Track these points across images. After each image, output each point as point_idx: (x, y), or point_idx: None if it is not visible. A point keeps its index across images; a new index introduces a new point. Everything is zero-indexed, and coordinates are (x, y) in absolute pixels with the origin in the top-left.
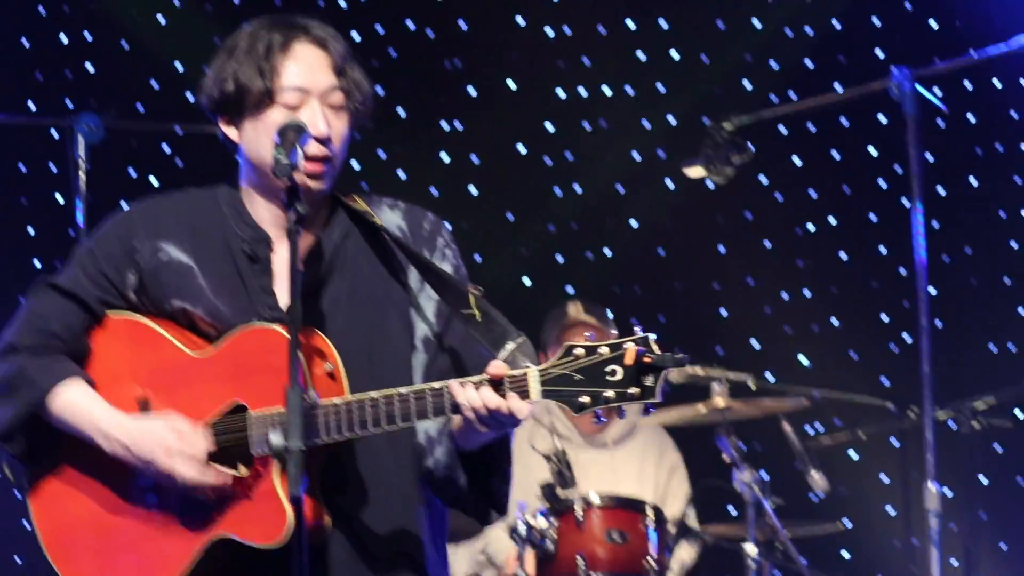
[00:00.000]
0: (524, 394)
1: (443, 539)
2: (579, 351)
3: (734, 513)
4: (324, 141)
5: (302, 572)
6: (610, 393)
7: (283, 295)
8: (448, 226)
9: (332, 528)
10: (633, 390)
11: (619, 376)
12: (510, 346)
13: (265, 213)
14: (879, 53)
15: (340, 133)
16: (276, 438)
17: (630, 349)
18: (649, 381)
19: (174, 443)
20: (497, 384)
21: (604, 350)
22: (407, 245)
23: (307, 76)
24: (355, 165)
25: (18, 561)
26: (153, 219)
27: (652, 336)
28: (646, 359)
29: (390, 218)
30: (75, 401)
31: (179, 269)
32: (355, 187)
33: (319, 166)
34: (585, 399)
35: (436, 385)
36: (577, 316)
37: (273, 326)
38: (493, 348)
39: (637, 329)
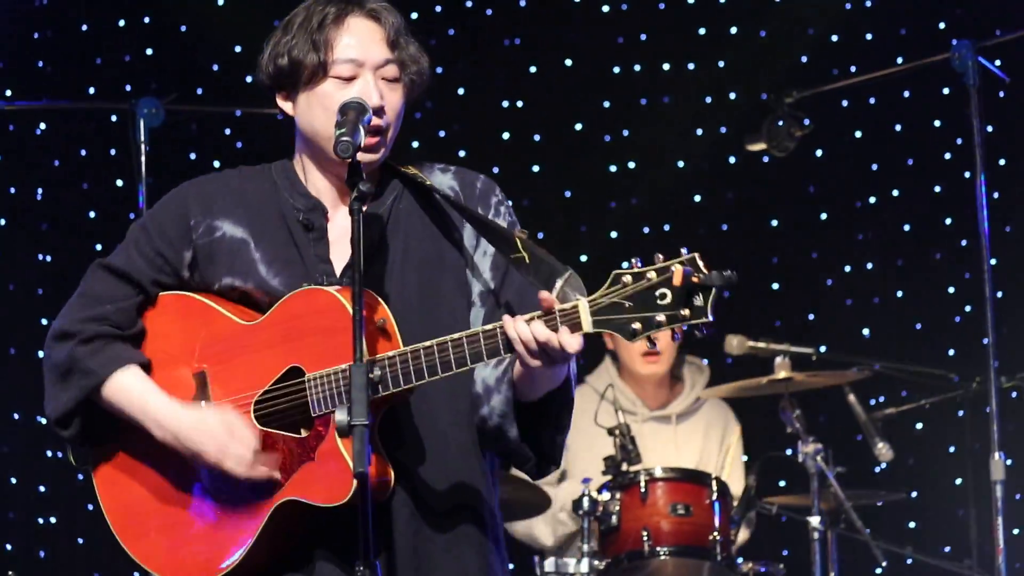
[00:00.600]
0: (576, 326)
1: (497, 492)
2: (627, 278)
3: (798, 485)
4: (378, 112)
5: (367, 543)
6: (661, 317)
7: (340, 263)
8: (499, 189)
9: (395, 484)
10: (684, 312)
11: (669, 299)
12: (559, 282)
13: (320, 183)
14: (941, 25)
15: (394, 106)
16: (341, 415)
17: (677, 270)
18: (699, 301)
19: (226, 441)
20: (549, 317)
21: (652, 275)
22: (458, 201)
23: (360, 49)
24: (415, 144)
25: (80, 541)
26: (207, 196)
27: (698, 255)
28: (694, 279)
29: (441, 180)
30: (128, 388)
31: (233, 245)
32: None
33: (373, 139)
34: (637, 325)
35: (489, 327)
36: None
37: (321, 287)
38: (544, 287)
39: (683, 250)
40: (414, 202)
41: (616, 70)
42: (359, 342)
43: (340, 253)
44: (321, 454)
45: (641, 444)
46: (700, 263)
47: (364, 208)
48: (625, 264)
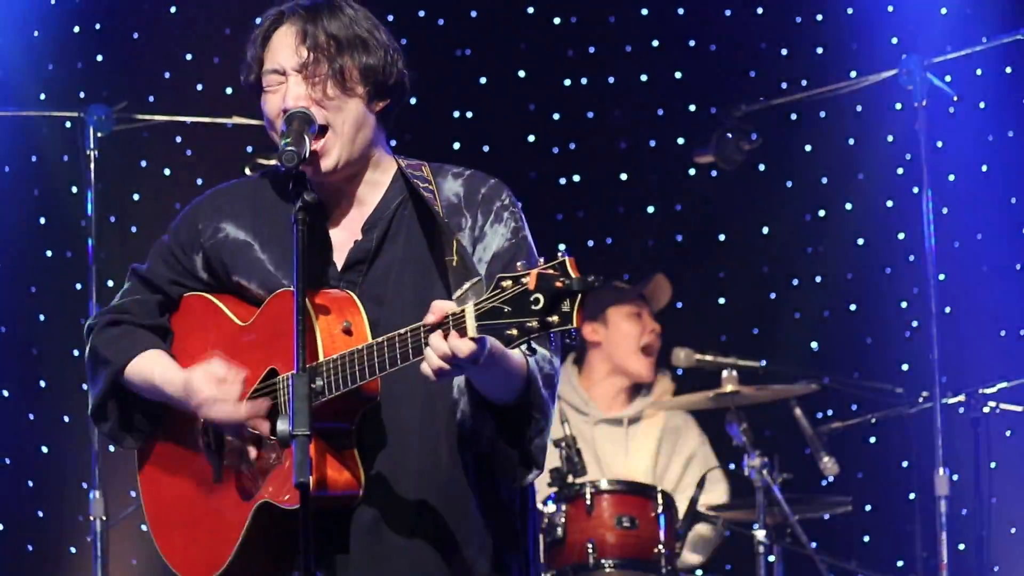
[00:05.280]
0: (463, 331)
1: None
2: (506, 282)
3: (743, 499)
4: (301, 117)
5: (308, 551)
6: (533, 323)
7: (341, 261)
8: (509, 193)
9: (364, 490)
10: (553, 318)
11: (541, 304)
12: (466, 285)
13: (322, 185)
14: (893, 40)
15: (329, 103)
16: (282, 425)
17: (532, 274)
18: (566, 307)
19: (209, 392)
20: (442, 324)
21: (525, 280)
22: (436, 212)
23: (279, 56)
24: None
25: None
26: (216, 203)
27: (569, 259)
28: (557, 284)
29: (450, 185)
30: (140, 371)
31: (236, 246)
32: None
33: (317, 142)
34: (513, 331)
35: (402, 331)
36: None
37: (290, 289)
38: (455, 288)
39: (559, 253)
40: (417, 206)
41: (567, 82)
42: (300, 352)
43: (344, 252)
44: (287, 457)
45: (594, 445)
46: (570, 268)
47: (308, 220)
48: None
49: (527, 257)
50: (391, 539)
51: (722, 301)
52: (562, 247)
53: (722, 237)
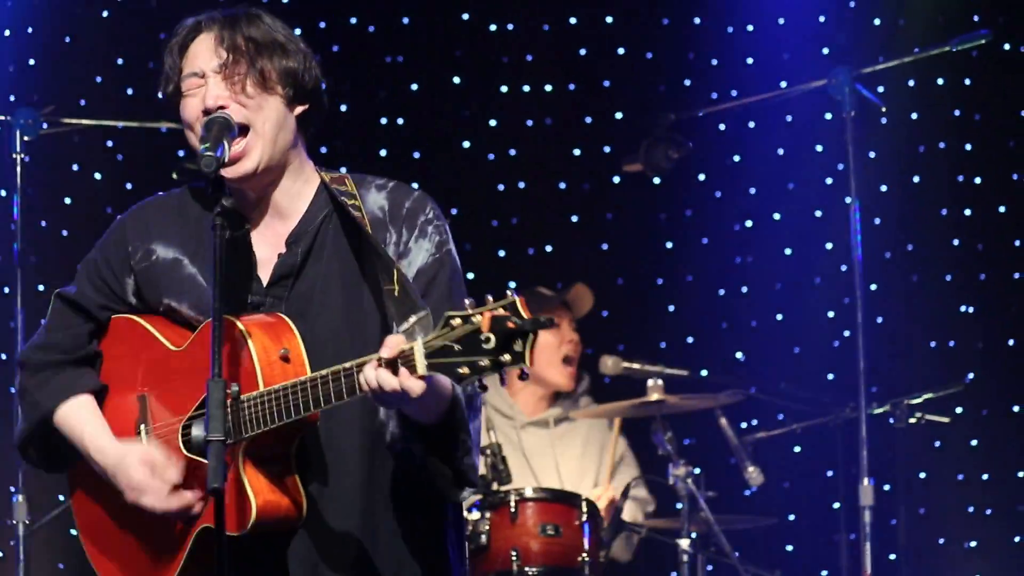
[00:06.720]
0: (413, 369)
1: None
2: (456, 320)
3: (668, 508)
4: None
5: (220, 557)
6: (485, 362)
7: (266, 276)
8: (434, 207)
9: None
10: (505, 357)
11: (492, 343)
12: (412, 319)
13: (241, 195)
14: (824, 51)
15: (250, 101)
16: (197, 430)
17: (485, 316)
18: (519, 347)
19: (141, 479)
20: (392, 361)
21: (476, 319)
22: (363, 228)
23: (199, 61)
24: None
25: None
26: (143, 222)
27: (519, 300)
28: (509, 324)
29: (374, 199)
30: (71, 422)
31: (167, 265)
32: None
33: (237, 146)
34: (464, 370)
35: (348, 365)
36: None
37: (231, 318)
38: (400, 321)
39: (509, 292)
40: (342, 221)
41: (504, 89)
42: (216, 359)
43: (268, 268)
44: (230, 483)
45: (521, 449)
46: (520, 308)
47: (226, 226)
48: (468, 301)
49: (449, 275)
50: (331, 561)
51: (652, 310)
52: (512, 285)
53: (650, 246)
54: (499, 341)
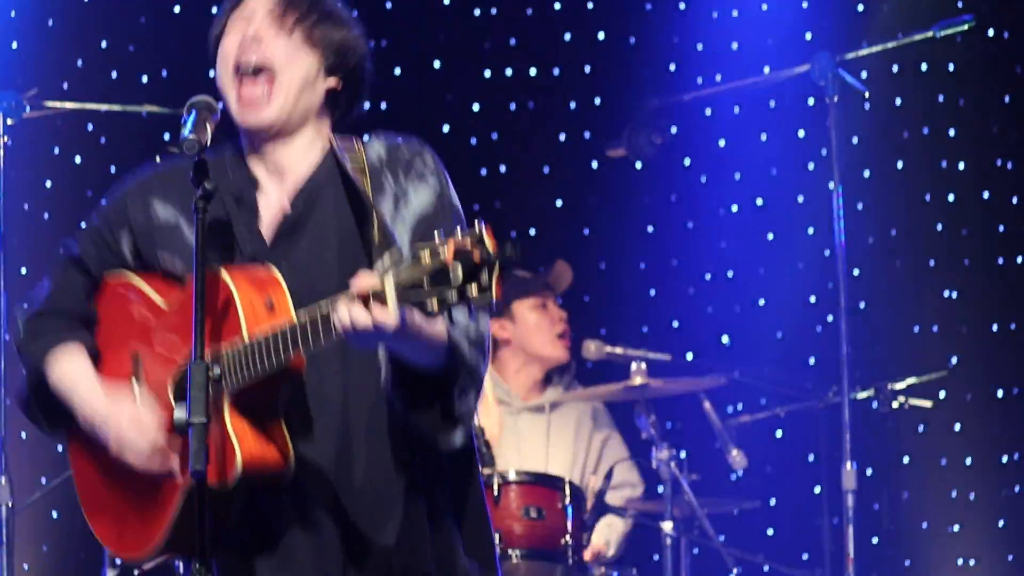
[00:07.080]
0: (384, 303)
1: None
2: (423, 252)
3: (651, 491)
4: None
5: (203, 541)
6: (451, 294)
7: (269, 234)
8: (432, 155)
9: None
10: (471, 289)
11: (460, 275)
12: (385, 256)
13: (255, 157)
14: (808, 36)
15: (286, 45)
16: (179, 412)
17: (449, 244)
18: (485, 279)
19: (126, 435)
20: (364, 298)
21: (442, 251)
22: (361, 187)
23: (251, 4)
24: None
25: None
26: (145, 183)
27: (485, 230)
28: (475, 256)
29: (375, 149)
30: (64, 376)
31: (165, 225)
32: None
33: (251, 85)
34: (432, 302)
35: (322, 303)
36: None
37: (217, 269)
38: (376, 259)
39: (476, 222)
40: (346, 182)
41: (487, 74)
42: (199, 339)
43: (272, 225)
44: (214, 436)
45: (515, 434)
46: (486, 238)
47: (207, 208)
48: (437, 232)
49: (451, 221)
50: (322, 513)
51: (635, 294)
52: (478, 221)
53: (635, 230)
54: (466, 273)
